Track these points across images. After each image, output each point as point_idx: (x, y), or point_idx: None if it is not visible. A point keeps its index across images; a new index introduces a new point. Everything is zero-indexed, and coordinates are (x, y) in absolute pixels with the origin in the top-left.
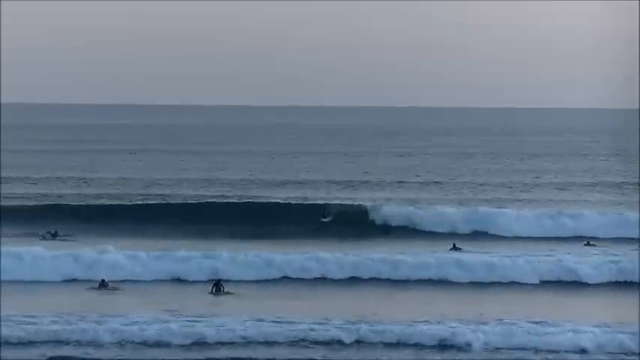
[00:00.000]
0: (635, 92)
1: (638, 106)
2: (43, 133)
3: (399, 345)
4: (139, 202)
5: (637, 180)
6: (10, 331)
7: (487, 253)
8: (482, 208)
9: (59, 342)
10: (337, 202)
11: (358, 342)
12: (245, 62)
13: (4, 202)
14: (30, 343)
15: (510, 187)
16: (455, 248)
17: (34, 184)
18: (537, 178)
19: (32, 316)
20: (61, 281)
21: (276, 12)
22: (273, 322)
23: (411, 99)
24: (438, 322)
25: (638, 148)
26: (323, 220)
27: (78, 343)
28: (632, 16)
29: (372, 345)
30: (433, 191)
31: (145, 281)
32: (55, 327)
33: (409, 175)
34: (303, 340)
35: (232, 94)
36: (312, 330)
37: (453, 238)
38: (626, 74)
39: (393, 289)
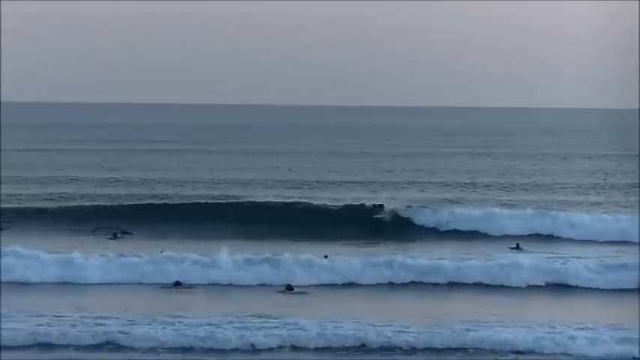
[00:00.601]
0: (635, 92)
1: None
2: (98, 132)
3: (469, 350)
4: (208, 202)
5: None
6: (81, 334)
7: (553, 254)
8: (544, 210)
9: (131, 344)
10: (396, 204)
11: (428, 347)
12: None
13: (66, 203)
14: (99, 346)
15: (579, 188)
16: (517, 248)
17: (93, 182)
18: (606, 179)
19: (104, 318)
20: (131, 282)
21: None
22: (351, 322)
23: (437, 99)
24: (513, 325)
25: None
26: (376, 217)
27: (153, 344)
28: (632, 16)
29: (444, 350)
30: (500, 192)
31: (215, 283)
32: (127, 328)
33: (480, 175)
34: (375, 343)
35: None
36: (385, 332)
37: (516, 239)
38: (626, 74)
39: (462, 291)
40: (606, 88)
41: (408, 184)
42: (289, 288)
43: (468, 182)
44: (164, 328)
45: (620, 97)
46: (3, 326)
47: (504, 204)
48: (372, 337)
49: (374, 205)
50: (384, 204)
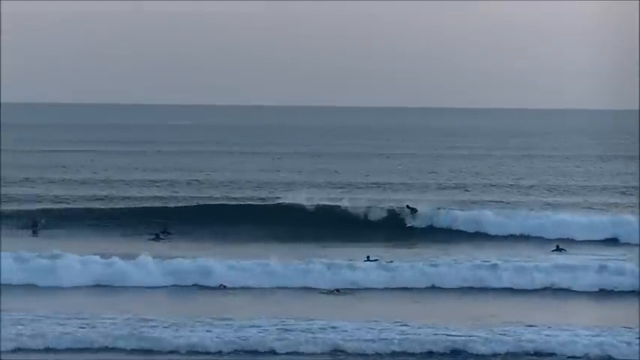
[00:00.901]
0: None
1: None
2: (137, 134)
3: (513, 353)
4: (250, 204)
5: None
6: (124, 336)
7: (598, 256)
8: (587, 211)
9: (175, 347)
10: (435, 206)
11: (474, 351)
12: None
13: (111, 204)
14: (145, 350)
15: (625, 188)
16: (558, 250)
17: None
18: None
19: (148, 320)
20: (175, 285)
21: None
22: (399, 325)
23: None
24: (559, 329)
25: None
26: (411, 219)
27: (197, 347)
28: (632, 16)
29: (489, 354)
30: (546, 193)
31: (259, 286)
32: (171, 331)
33: (527, 177)
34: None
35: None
36: (430, 335)
37: (557, 242)
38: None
39: (508, 294)
40: (606, 89)
41: (451, 185)
42: (336, 290)
43: (512, 184)
44: (208, 330)
45: (622, 97)
46: (46, 329)
47: (549, 205)
48: (418, 341)
49: (407, 206)
50: (421, 206)
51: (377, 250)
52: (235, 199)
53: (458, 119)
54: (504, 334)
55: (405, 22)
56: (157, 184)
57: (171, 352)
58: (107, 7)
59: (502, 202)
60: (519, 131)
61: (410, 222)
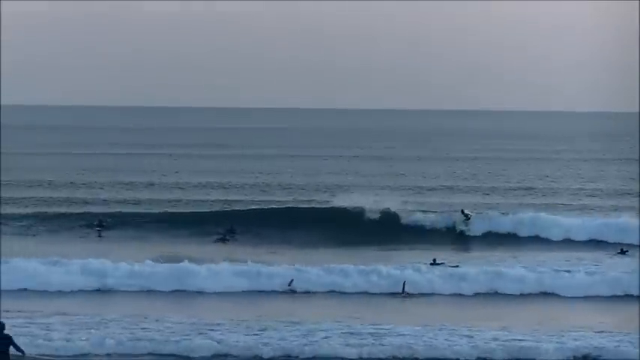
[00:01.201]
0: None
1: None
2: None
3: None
4: (313, 207)
5: None
6: (193, 339)
7: None
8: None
9: (239, 353)
10: (496, 210)
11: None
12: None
13: (180, 207)
14: (214, 355)
15: None
16: (622, 252)
17: (213, 189)
18: None
19: (214, 324)
20: (244, 289)
21: None
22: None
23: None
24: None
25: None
26: (465, 224)
27: (258, 352)
28: (632, 16)
29: None
30: (614, 198)
31: (327, 290)
32: (236, 336)
33: (596, 180)
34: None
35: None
36: (507, 342)
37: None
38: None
39: (586, 302)
40: (606, 91)
41: (520, 188)
42: (406, 293)
43: (577, 187)
44: (275, 335)
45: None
46: (113, 331)
47: (616, 207)
48: (486, 345)
49: (462, 211)
50: (476, 211)
51: (441, 254)
52: (301, 201)
53: (500, 121)
54: (574, 340)
55: (405, 21)
56: (224, 187)
57: (238, 355)
58: (107, 7)
59: (571, 204)
60: (567, 134)
61: (462, 227)
